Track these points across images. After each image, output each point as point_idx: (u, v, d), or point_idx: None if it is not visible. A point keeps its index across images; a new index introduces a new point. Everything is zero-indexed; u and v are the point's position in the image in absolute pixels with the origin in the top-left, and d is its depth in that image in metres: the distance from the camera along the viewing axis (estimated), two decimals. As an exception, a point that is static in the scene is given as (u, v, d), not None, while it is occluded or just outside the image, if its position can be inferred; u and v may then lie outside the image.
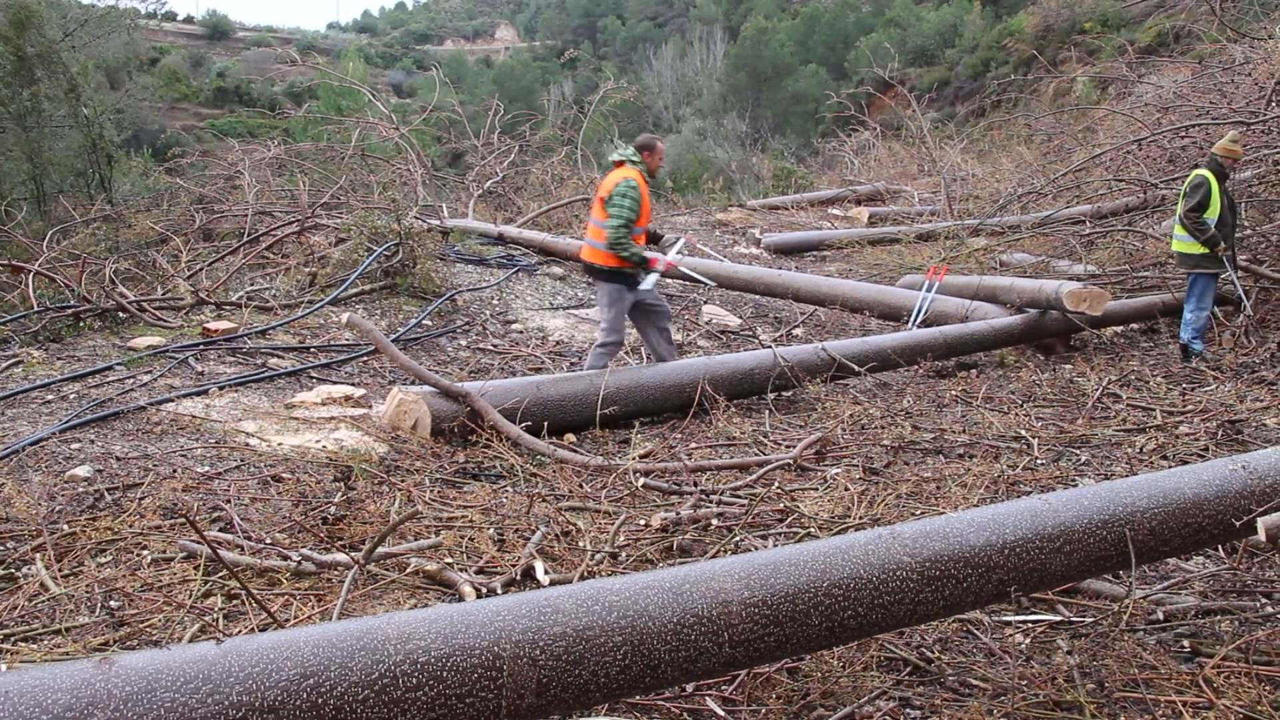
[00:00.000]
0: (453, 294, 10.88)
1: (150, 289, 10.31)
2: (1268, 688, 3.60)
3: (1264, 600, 4.47)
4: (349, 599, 4.22)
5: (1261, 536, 3.57)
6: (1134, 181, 13.78)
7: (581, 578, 4.61)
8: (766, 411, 8.07)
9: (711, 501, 5.81)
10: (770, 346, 9.25)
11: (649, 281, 8.14)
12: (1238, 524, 3.89)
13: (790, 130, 46.03)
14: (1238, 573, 4.81)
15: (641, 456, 6.83)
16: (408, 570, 4.69)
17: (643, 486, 6.06)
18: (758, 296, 12.55)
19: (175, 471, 5.73)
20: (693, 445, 7.26)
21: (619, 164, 8.12)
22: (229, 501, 5.34)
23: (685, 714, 3.59)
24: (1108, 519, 3.77)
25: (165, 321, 9.12)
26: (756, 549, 4.95)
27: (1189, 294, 9.67)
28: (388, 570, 4.69)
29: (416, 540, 5.01)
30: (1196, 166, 12.43)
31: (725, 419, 7.67)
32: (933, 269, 11.35)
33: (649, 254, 8.17)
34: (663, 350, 8.40)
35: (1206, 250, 9.40)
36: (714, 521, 5.42)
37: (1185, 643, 4.07)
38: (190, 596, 4.31)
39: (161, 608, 4.19)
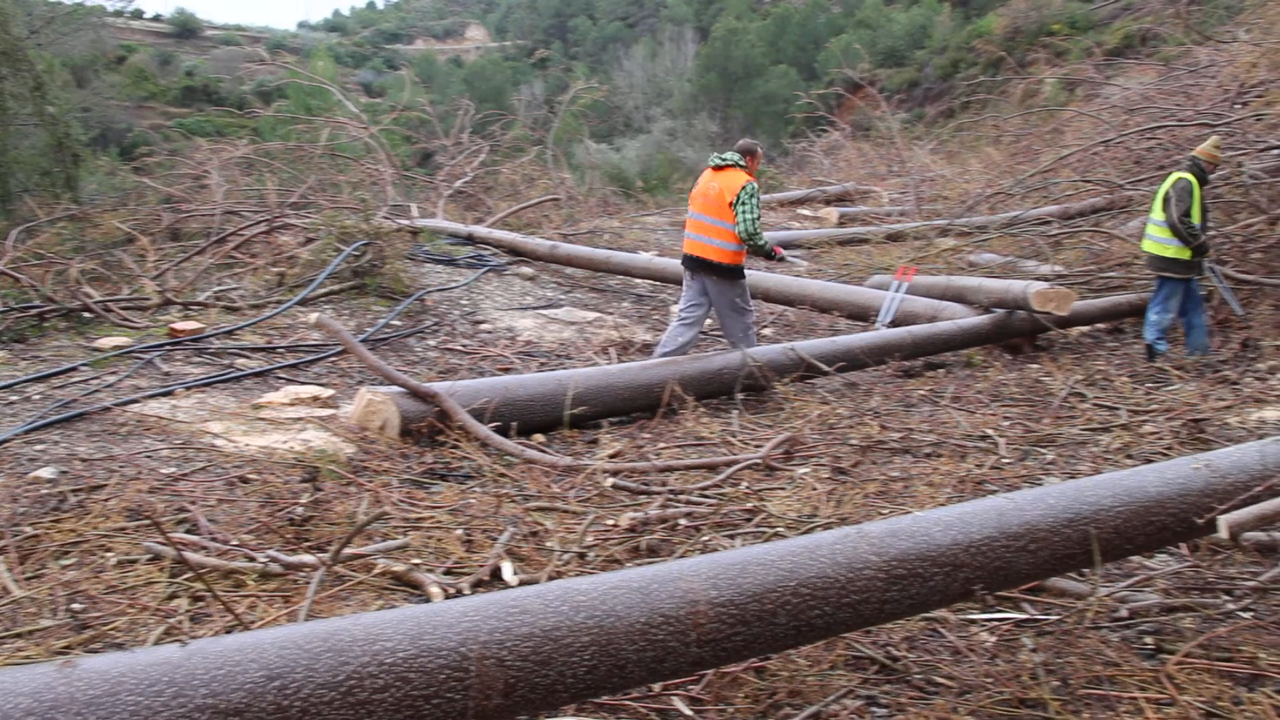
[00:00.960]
0: (422, 294, 10.85)
1: (116, 289, 10.23)
2: (1229, 684, 3.64)
3: (1225, 597, 4.51)
4: (316, 600, 4.19)
5: (1223, 534, 3.61)
6: (1101, 182, 13.89)
7: (549, 578, 4.60)
8: (735, 411, 8.08)
9: (680, 501, 5.81)
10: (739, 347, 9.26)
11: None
12: (1200, 522, 3.92)
13: (760, 130, 46.09)
14: (1200, 570, 4.85)
15: (610, 456, 6.83)
16: (375, 571, 4.68)
17: (611, 486, 6.06)
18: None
19: (140, 473, 5.69)
20: (661, 445, 7.27)
21: (722, 168, 8.59)
22: (195, 503, 5.30)
23: (653, 714, 3.59)
24: (1073, 517, 3.80)
25: (131, 322, 9.06)
26: (724, 549, 4.96)
27: (1155, 295, 9.74)
28: (355, 571, 4.67)
29: (384, 541, 4.99)
30: (1164, 168, 12.53)
31: (694, 419, 7.68)
32: (901, 269, 11.39)
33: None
34: (739, 340, 8.80)
35: (1182, 254, 9.46)
36: (682, 521, 5.42)
37: (1148, 640, 4.11)
38: (155, 599, 4.28)
39: (126, 610, 4.16)
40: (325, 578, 4.43)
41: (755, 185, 8.44)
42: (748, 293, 8.87)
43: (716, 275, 8.59)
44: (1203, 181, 9.60)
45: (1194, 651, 3.88)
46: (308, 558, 4.61)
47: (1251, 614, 4.31)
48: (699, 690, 3.72)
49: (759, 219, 8.38)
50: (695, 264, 8.66)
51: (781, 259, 9.17)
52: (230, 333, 8.90)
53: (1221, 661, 3.81)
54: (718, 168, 8.62)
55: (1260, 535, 4.88)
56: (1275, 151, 11.71)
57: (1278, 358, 9.13)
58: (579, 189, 19.69)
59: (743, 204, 8.31)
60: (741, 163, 8.59)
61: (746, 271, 8.81)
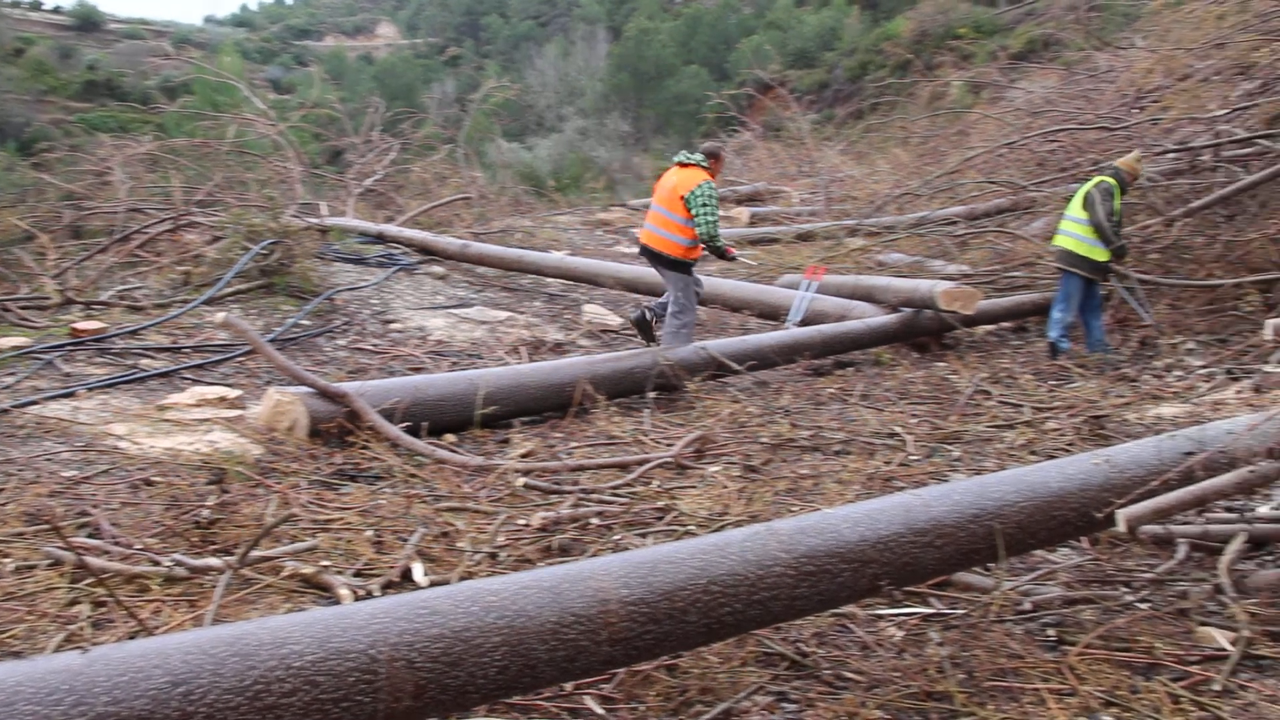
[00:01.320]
0: (331, 293, 10.73)
1: (14, 288, 9.98)
2: (1126, 673, 3.73)
3: (1124, 589, 4.62)
4: (222, 604, 4.13)
5: (1121, 527, 3.70)
6: (1005, 184, 14.12)
7: (460, 579, 4.58)
8: (647, 410, 8.10)
9: (591, 500, 5.82)
10: (652, 346, 9.29)
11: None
12: (1099, 516, 4.01)
13: (672, 130, 46.26)
14: (1100, 563, 4.97)
15: (522, 456, 6.81)
16: (283, 574, 4.62)
17: (523, 486, 6.04)
18: (639, 296, 12.59)
19: (40, 476, 5.57)
20: (573, 444, 7.26)
21: (687, 165, 8.96)
22: (97, 506, 5.20)
23: (564, 713, 3.59)
24: (978, 513, 3.87)
25: (30, 321, 8.85)
26: (636, 547, 4.97)
27: (1059, 292, 9.93)
28: (263, 574, 4.60)
29: (293, 543, 4.92)
30: (1065, 170, 12.80)
31: (606, 418, 7.69)
32: (811, 269, 11.49)
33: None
34: (668, 336, 9.12)
35: (1095, 254, 9.65)
36: (594, 520, 5.43)
37: (1051, 632, 4.20)
38: (55, 605, 4.18)
39: (24, 617, 4.06)
40: (232, 581, 4.36)
41: (713, 185, 8.78)
42: (691, 292, 9.13)
43: (665, 266, 8.98)
44: (1122, 191, 9.82)
45: (1094, 642, 3.97)
46: (214, 561, 4.53)
47: (1148, 605, 4.42)
48: (611, 689, 3.72)
49: (717, 221, 8.75)
50: (648, 253, 9.10)
51: (733, 258, 9.58)
52: (134, 332, 8.73)
53: (1120, 651, 3.90)
54: (682, 165, 8.99)
55: (1156, 528, 5.01)
56: (1171, 155, 12.02)
57: (1174, 355, 9.37)
58: (491, 188, 19.62)
59: (702, 205, 8.65)
60: (705, 163, 8.93)
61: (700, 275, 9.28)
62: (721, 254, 9.03)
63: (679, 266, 8.95)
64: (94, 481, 5.60)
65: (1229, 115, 11.76)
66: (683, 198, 8.70)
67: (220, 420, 6.91)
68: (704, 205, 8.66)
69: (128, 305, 9.54)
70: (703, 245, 8.84)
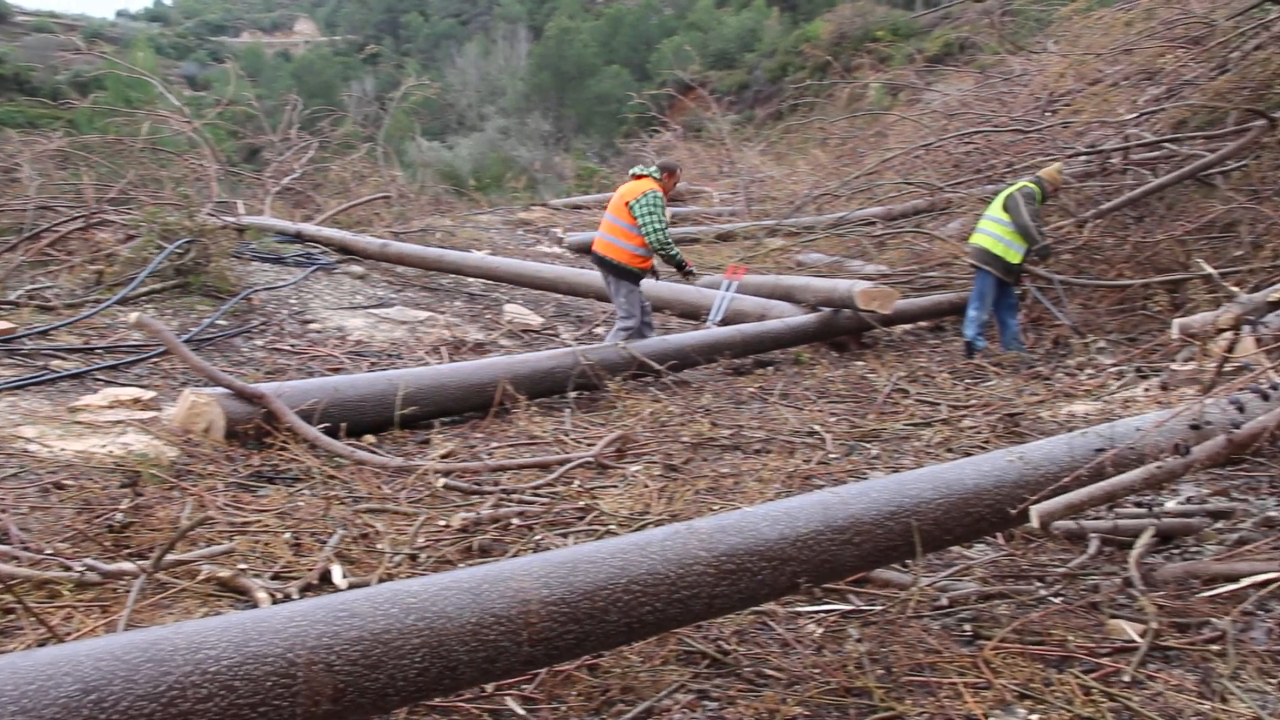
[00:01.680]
0: (248, 293, 10.58)
1: (-83, 288, 9.73)
2: (1040, 666, 3.79)
3: (1038, 584, 4.70)
4: (136, 609, 4.05)
5: (1034, 523, 3.76)
6: (922, 185, 14.32)
7: (380, 580, 4.54)
8: (568, 410, 8.10)
9: (512, 501, 5.80)
10: (572, 345, 9.29)
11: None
12: (1014, 512, 4.08)
13: (593, 130, 46.26)
14: (1015, 558, 5.05)
15: (442, 457, 6.77)
16: (199, 578, 4.54)
17: (443, 487, 6.01)
18: (560, 296, 12.58)
19: (-55, 480, 5.43)
20: (494, 445, 7.24)
21: (640, 177, 9.35)
22: (5, 511, 5.07)
23: (486, 714, 3.58)
24: (895, 510, 3.91)
25: (-66, 322, 8.62)
26: (557, 548, 4.96)
27: (974, 291, 10.08)
28: (178, 578, 4.53)
29: (209, 546, 4.85)
30: (980, 171, 12.99)
31: (527, 418, 7.67)
32: (731, 268, 11.55)
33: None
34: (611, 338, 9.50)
35: (1010, 256, 9.81)
36: (515, 521, 5.41)
37: (967, 627, 4.26)
38: (-39, 612, 4.08)
39: (-71, 625, 3.96)
40: (146, 586, 4.28)
41: (659, 194, 9.14)
42: (635, 300, 9.45)
43: (614, 273, 9.30)
44: (1043, 199, 10.00)
45: (1009, 636, 4.03)
46: (128, 565, 4.45)
47: (1061, 599, 4.50)
48: (532, 689, 3.71)
49: (666, 228, 9.10)
50: (599, 260, 9.42)
51: (692, 273, 9.78)
52: (45, 333, 8.53)
53: (1034, 645, 3.97)
54: (636, 176, 9.41)
55: (1069, 524, 5.12)
56: (1083, 158, 12.26)
57: (1086, 354, 9.55)
58: (411, 187, 19.49)
59: (648, 212, 9.02)
60: (657, 175, 9.36)
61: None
62: (680, 266, 9.30)
63: (627, 274, 9.21)
64: (3, 485, 5.47)
65: (1137, 119, 12.02)
66: (628, 204, 9.03)
67: (134, 422, 6.78)
68: (650, 212, 8.95)
69: (38, 305, 9.33)
70: (656, 255, 9.13)
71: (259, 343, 9.52)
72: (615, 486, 6.15)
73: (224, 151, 17.61)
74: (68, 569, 4.42)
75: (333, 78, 60.14)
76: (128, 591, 4.23)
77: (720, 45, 48.91)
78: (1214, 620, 4.08)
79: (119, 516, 5.05)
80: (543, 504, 5.73)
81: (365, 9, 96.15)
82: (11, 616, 4.08)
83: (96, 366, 8.01)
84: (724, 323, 10.43)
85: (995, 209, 10.05)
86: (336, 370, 8.99)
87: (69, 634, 3.90)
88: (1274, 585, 4.28)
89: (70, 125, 18.91)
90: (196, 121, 16.72)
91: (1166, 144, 11.31)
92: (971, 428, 7.41)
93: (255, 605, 4.27)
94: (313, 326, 10.31)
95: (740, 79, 44.67)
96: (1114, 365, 9.11)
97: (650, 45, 53.89)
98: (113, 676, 2.47)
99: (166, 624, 2.79)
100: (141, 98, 19.58)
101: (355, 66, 64.09)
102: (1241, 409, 3.83)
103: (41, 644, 3.79)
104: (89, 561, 4.43)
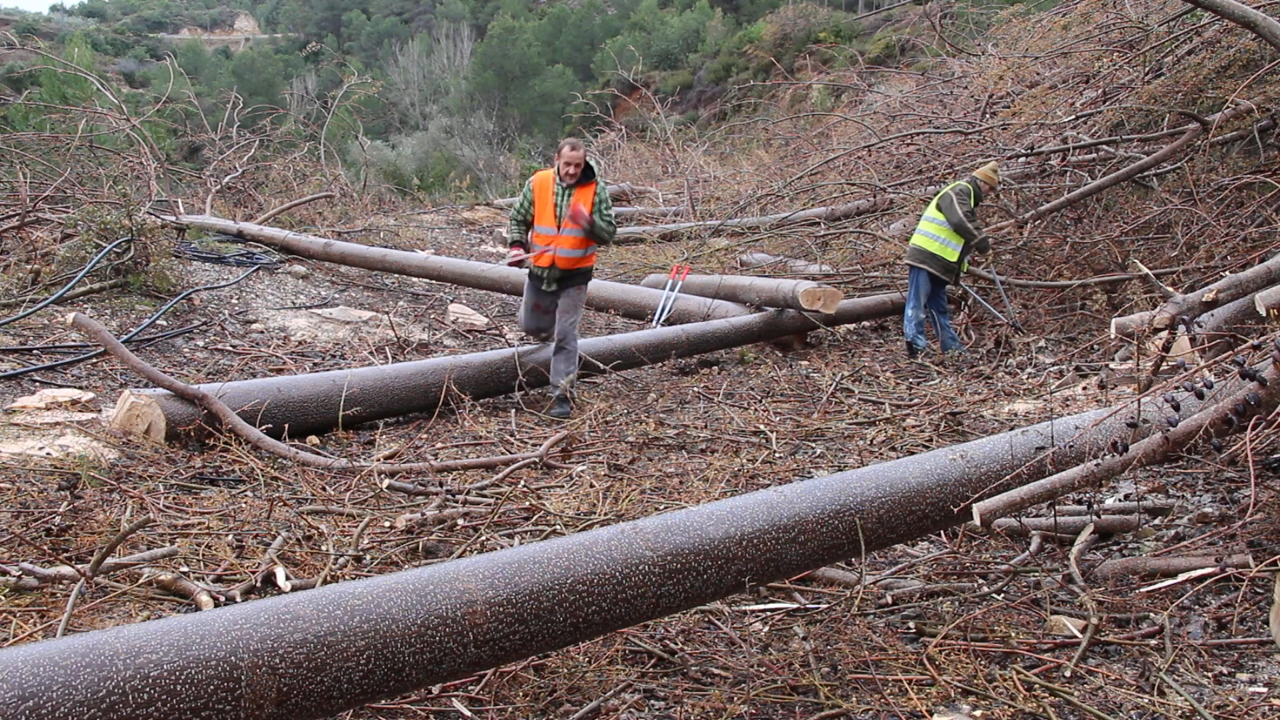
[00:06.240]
0: (189, 293, 10.44)
1: None
2: (983, 662, 3.83)
3: (980, 581, 4.76)
4: (75, 614, 4.00)
5: (976, 521, 3.80)
6: (864, 185, 14.41)
7: (325, 582, 4.51)
8: (513, 410, 8.08)
9: (457, 501, 5.78)
10: (516, 346, 9.25)
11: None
12: (956, 510, 4.12)
13: (537, 129, 46.16)
14: (958, 556, 5.10)
15: (386, 458, 6.73)
16: (140, 581, 4.49)
17: (387, 488, 5.97)
18: (505, 295, 12.54)
19: (-124, 484, 5.32)
20: (439, 445, 7.20)
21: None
22: (-62, 515, 4.98)
23: (431, 716, 3.56)
24: (839, 509, 3.94)
25: None
26: (502, 548, 4.95)
27: (911, 292, 10.16)
28: (118, 582, 4.47)
29: (150, 549, 4.79)
30: (922, 172, 13.10)
31: (471, 418, 7.64)
32: (675, 268, 11.58)
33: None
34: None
35: (946, 254, 9.89)
36: (460, 521, 5.39)
37: (911, 624, 4.29)
38: (-107, 618, 4.00)
39: None
40: (85, 590, 4.23)
41: (531, 181, 8.57)
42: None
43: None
44: (978, 199, 10.09)
45: (952, 633, 4.07)
46: (66, 569, 4.38)
47: (1003, 596, 4.56)
48: (478, 690, 3.70)
49: (514, 212, 8.63)
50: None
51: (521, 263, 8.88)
52: (-23, 334, 8.39)
53: (977, 642, 4.01)
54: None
55: (1010, 521, 5.18)
56: (1022, 160, 12.41)
57: (1027, 353, 9.66)
58: (354, 186, 19.33)
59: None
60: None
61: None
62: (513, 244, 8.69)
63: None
64: (-65, 489, 5.37)
65: (1075, 121, 12.18)
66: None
67: (73, 424, 6.68)
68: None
69: (-29, 305, 9.17)
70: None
71: (200, 343, 9.41)
72: (561, 487, 6.14)
73: (163, 150, 17.36)
74: (4, 573, 4.35)
75: (274, 75, 59.72)
76: (66, 596, 4.17)
77: (664, 46, 49.04)
78: (1152, 615, 4.15)
79: (57, 520, 4.98)
80: (488, 505, 5.71)
81: (307, 6, 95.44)
82: (-54, 622, 4.01)
83: (33, 368, 7.88)
84: (669, 323, 10.45)
85: (931, 209, 10.16)
86: (279, 371, 8.90)
87: (5, 640, 3.84)
88: (1210, 580, 4.35)
89: (4, 122, 18.61)
90: (135, 119, 16.46)
91: (1103, 146, 11.47)
92: (914, 426, 7.47)
93: (197, 609, 4.23)
94: (255, 327, 10.20)
95: (684, 79, 44.83)
96: (1054, 364, 9.23)
97: (594, 45, 53.93)
98: (51, 683, 2.43)
99: (106, 629, 2.75)
100: (78, 94, 19.27)
101: (297, 64, 63.68)
102: (1177, 407, 3.89)
103: (-23, 650, 3.72)
104: (26, 565, 4.36)
